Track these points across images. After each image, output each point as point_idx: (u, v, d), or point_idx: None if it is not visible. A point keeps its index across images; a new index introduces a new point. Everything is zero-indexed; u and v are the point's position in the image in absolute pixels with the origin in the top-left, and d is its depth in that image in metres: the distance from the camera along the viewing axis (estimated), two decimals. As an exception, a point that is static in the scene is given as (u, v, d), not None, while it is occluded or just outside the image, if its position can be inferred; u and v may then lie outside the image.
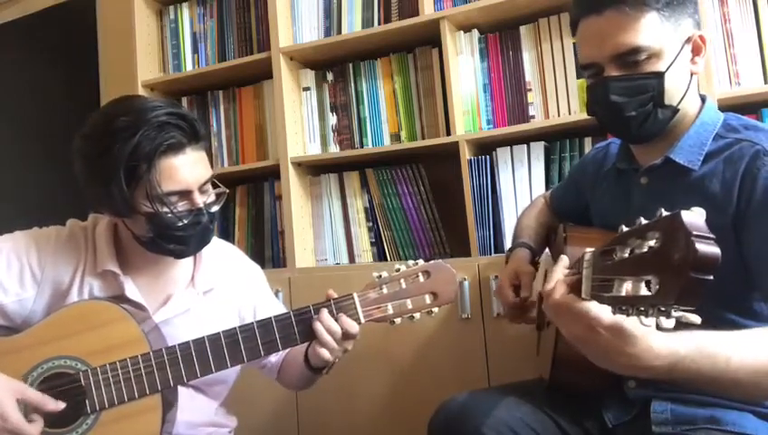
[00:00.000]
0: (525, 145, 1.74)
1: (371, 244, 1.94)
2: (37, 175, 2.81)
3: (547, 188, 1.69)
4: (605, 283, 0.69)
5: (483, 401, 1.12)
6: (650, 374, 0.75)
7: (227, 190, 1.18)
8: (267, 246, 2.08)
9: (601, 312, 0.73)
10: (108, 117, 1.07)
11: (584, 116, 1.49)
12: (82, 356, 1.07)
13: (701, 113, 1.06)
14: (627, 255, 0.68)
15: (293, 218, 1.94)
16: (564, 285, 0.79)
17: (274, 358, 1.32)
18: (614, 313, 0.70)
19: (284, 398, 1.85)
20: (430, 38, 1.85)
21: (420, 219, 1.90)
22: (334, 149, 1.99)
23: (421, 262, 1.15)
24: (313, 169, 2.05)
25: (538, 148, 1.74)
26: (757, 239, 0.95)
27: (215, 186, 1.16)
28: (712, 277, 0.58)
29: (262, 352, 1.11)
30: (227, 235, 2.12)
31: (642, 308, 0.64)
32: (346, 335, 1.10)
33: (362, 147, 1.95)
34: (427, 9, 1.82)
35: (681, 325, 0.64)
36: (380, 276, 1.14)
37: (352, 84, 1.98)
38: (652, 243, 0.64)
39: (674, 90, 1.01)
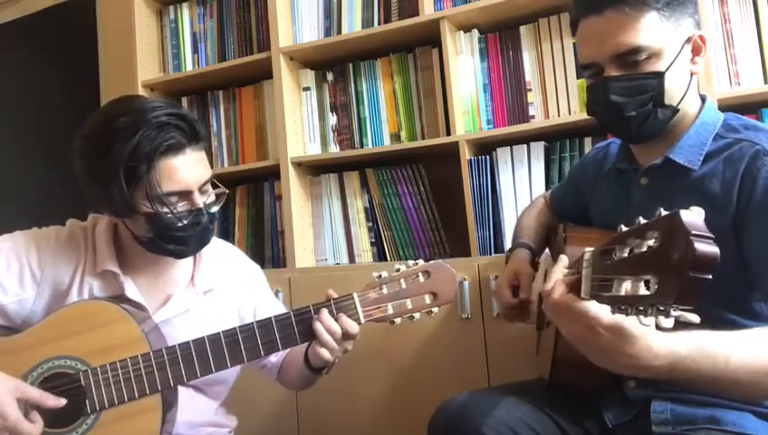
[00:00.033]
0: (525, 145, 1.74)
1: (371, 244, 1.94)
2: (37, 175, 2.81)
3: (547, 188, 1.69)
4: (604, 282, 0.69)
5: (483, 401, 1.11)
6: (650, 374, 0.75)
7: (227, 190, 1.18)
8: (267, 247, 2.08)
9: (601, 311, 0.73)
10: (108, 117, 1.07)
11: (584, 116, 1.49)
12: (82, 356, 1.07)
13: (701, 113, 1.06)
14: (626, 254, 0.68)
15: (293, 218, 1.93)
16: (564, 284, 0.79)
17: (274, 358, 1.32)
18: (613, 312, 0.70)
19: (284, 398, 1.85)
20: (430, 38, 1.85)
21: (420, 219, 1.90)
22: (334, 149, 1.99)
23: (421, 262, 1.15)
24: (313, 169, 2.05)
25: (538, 148, 1.74)
26: (757, 239, 0.95)
27: (214, 186, 1.16)
28: (711, 277, 0.58)
29: (262, 352, 1.11)
30: (227, 235, 2.12)
31: (641, 308, 0.64)
32: (346, 335, 1.10)
33: (362, 147, 1.94)
34: (427, 9, 1.82)
35: (680, 325, 0.64)
36: (380, 276, 1.14)
37: (352, 84, 1.98)
38: (651, 242, 0.64)
39: (674, 90, 1.01)
